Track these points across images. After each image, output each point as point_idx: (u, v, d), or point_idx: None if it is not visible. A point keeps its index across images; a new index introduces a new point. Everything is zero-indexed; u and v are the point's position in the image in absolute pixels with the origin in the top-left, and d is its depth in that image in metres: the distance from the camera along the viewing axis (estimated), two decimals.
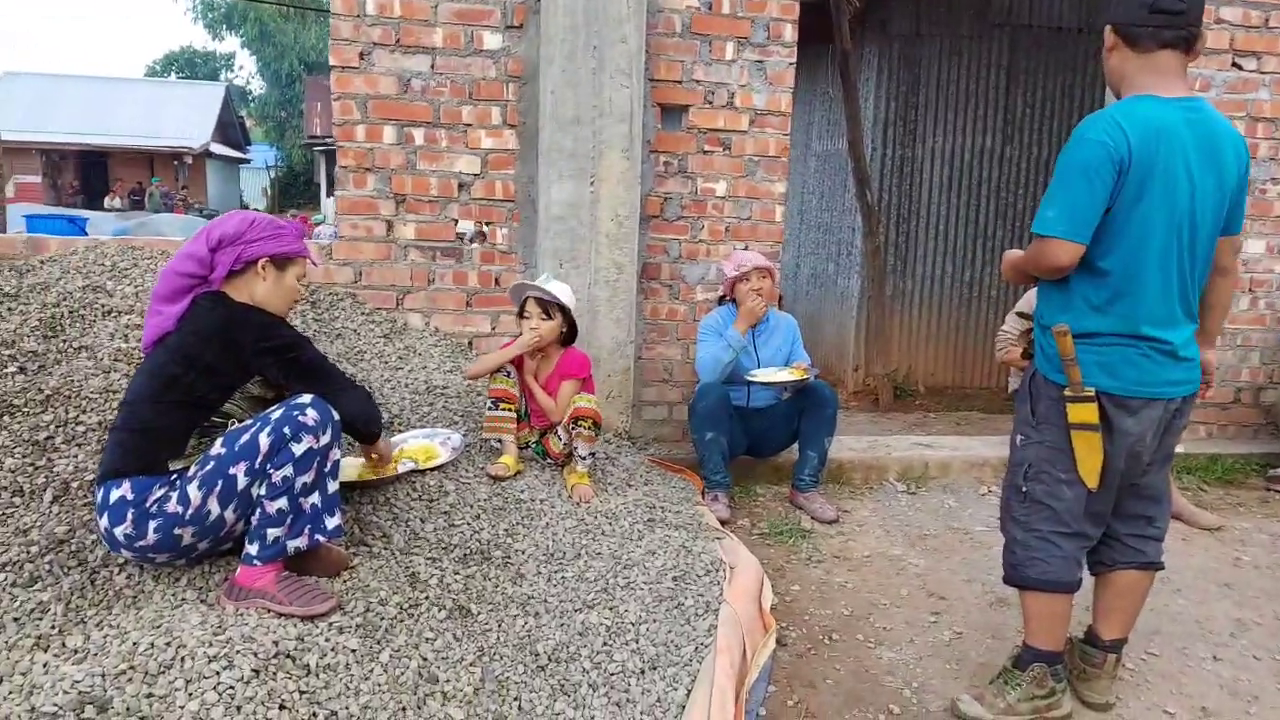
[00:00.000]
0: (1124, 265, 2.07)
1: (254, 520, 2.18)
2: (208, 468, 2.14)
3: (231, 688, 1.91)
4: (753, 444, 3.96)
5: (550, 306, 3.10)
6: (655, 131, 3.97)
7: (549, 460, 3.29)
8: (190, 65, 38.66)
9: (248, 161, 31.69)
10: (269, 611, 2.15)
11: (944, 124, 6.95)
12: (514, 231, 3.95)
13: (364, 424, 2.40)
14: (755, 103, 4.02)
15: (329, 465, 2.25)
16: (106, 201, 22.21)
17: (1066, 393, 2.14)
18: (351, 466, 2.67)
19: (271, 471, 2.15)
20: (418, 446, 2.99)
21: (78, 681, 1.89)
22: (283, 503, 2.17)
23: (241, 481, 2.14)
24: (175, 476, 2.16)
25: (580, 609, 2.51)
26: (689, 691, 2.28)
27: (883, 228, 6.88)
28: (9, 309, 3.24)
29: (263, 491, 2.16)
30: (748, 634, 2.59)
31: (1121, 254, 2.06)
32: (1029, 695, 2.29)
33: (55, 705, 1.83)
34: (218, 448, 2.17)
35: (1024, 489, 2.30)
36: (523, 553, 2.71)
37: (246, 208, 27.02)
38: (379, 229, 3.85)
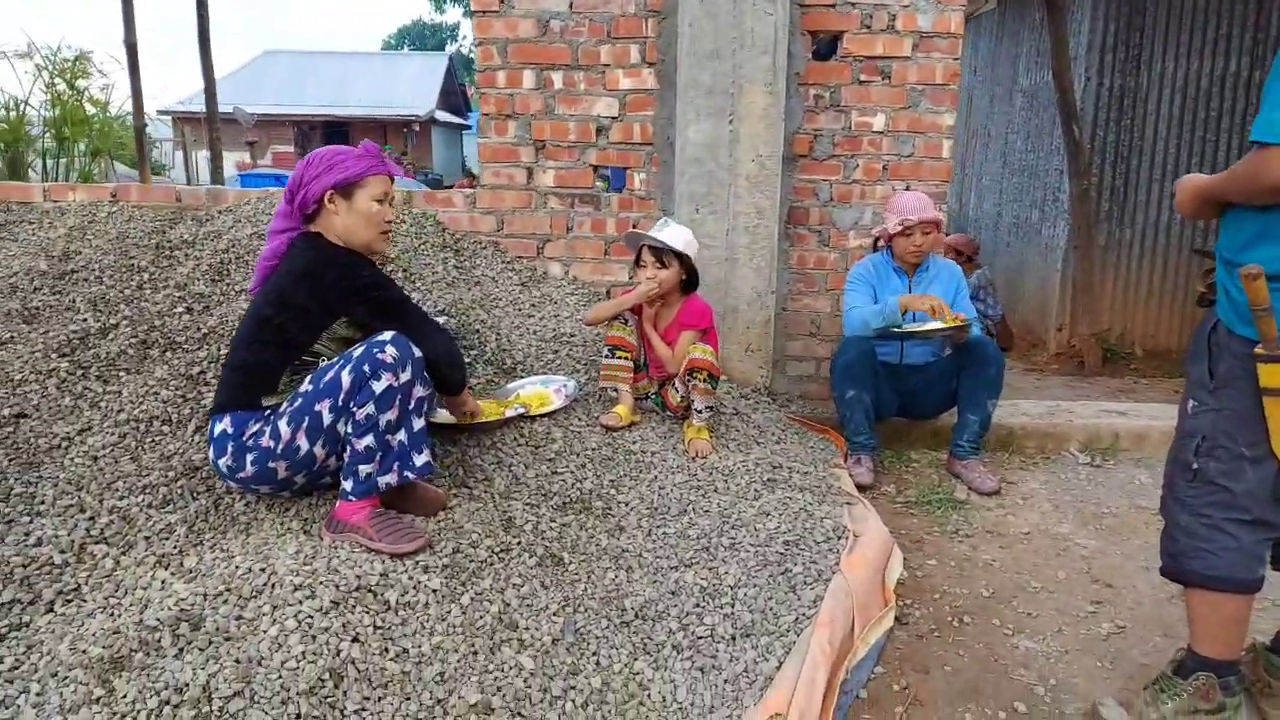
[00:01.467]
0: None
1: (346, 457, 2.23)
2: (296, 404, 2.20)
3: (310, 617, 1.95)
4: (906, 404, 3.63)
5: (666, 254, 2.94)
6: (804, 62, 3.67)
7: (669, 413, 3.17)
8: (420, 37, 41.33)
9: (469, 128, 33.49)
10: (361, 546, 2.19)
11: (1176, 46, 6.01)
12: (652, 176, 3.81)
13: (447, 365, 2.38)
14: (920, 24, 3.61)
15: (412, 402, 2.25)
16: None
17: (1258, 350, 1.72)
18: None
19: (355, 409, 2.18)
20: (532, 393, 2.96)
21: (182, 599, 2.01)
22: (370, 440, 2.19)
23: (327, 418, 2.18)
24: (269, 412, 2.24)
25: (676, 567, 2.38)
26: (780, 664, 2.10)
27: (1095, 168, 6.11)
28: (186, 255, 3.53)
29: (349, 429, 2.20)
30: (860, 609, 2.35)
31: None
32: (1189, 708, 1.91)
33: (157, 620, 1.95)
34: (306, 385, 2.22)
35: (1194, 465, 1.90)
36: (625, 505, 2.61)
37: (469, 172, 28.67)
38: (520, 176, 3.85)
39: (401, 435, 2.24)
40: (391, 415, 2.21)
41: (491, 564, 2.25)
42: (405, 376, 2.21)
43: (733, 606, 2.25)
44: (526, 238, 3.89)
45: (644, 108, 3.74)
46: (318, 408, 2.18)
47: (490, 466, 2.60)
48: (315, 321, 2.33)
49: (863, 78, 3.68)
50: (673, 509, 2.63)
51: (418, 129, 28.46)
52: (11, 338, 3.06)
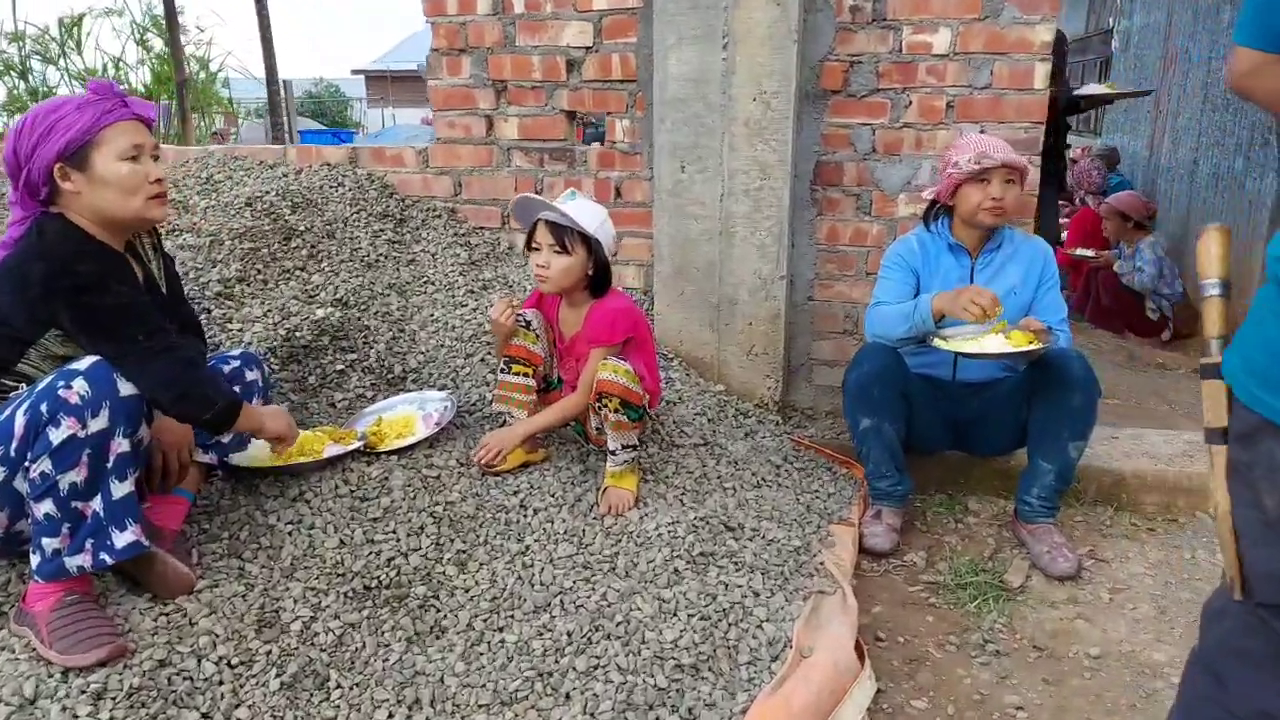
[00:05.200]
0: None
1: (30, 524, 1.63)
2: None
3: None
4: (961, 437, 2.63)
5: (569, 236, 2.12)
6: None
7: (593, 445, 2.37)
8: None
9: None
10: (31, 648, 1.60)
11: None
12: (637, 124, 2.95)
13: (173, 404, 1.71)
14: None
15: (111, 459, 1.61)
16: None
17: (1202, 360, 1.08)
18: (259, 448, 2.02)
19: (29, 464, 1.57)
20: (397, 417, 2.26)
21: None
22: (49, 506, 1.59)
23: None
24: None
25: (487, 706, 1.63)
26: None
27: None
28: None
29: (27, 488, 1.60)
30: None
31: None
32: None
33: None
34: None
35: None
36: (462, 593, 1.87)
37: None
38: (478, 127, 3.10)
39: (97, 504, 1.62)
40: (77, 476, 1.58)
41: (210, 686, 1.59)
42: (97, 424, 1.58)
43: None
44: (489, 204, 3.16)
45: (625, 33, 2.88)
46: None
47: (285, 528, 1.93)
48: (20, 333, 1.72)
49: None
50: (530, 601, 1.86)
51: None
52: None
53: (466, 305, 2.81)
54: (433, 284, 2.88)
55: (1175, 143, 7.01)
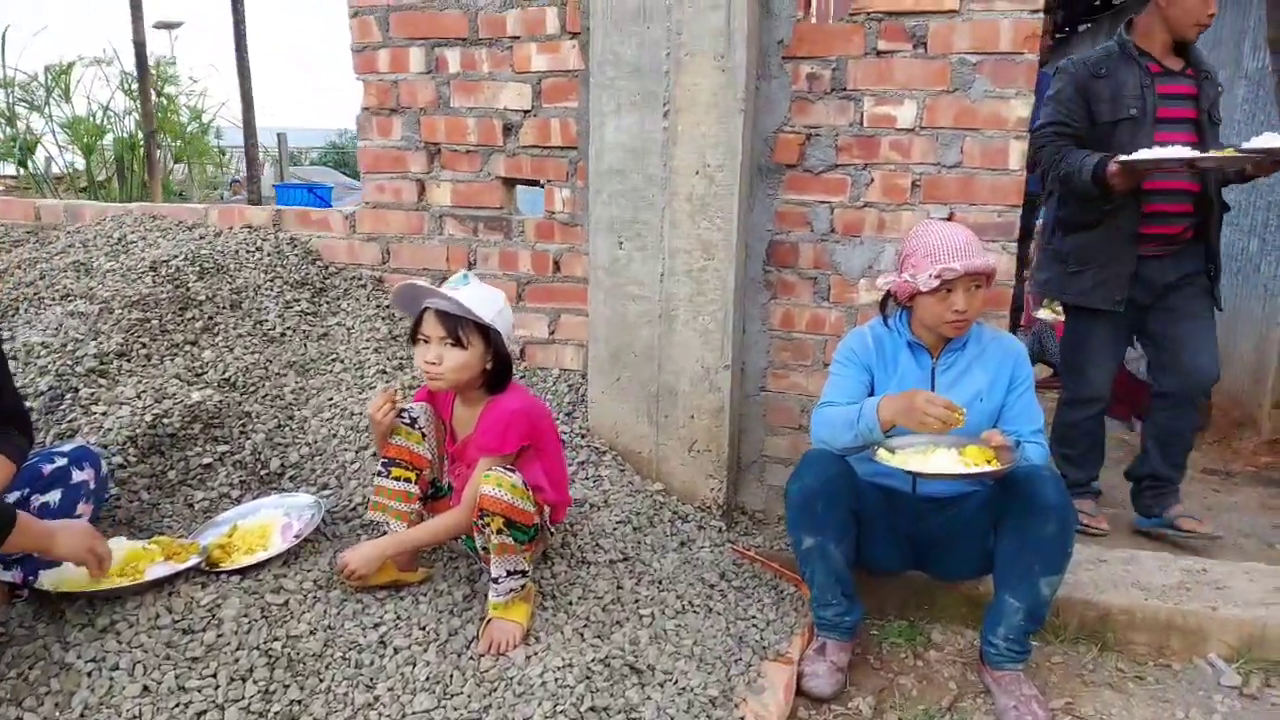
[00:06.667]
0: None
1: None
2: None
3: None
4: (921, 558, 2.30)
5: (465, 326, 1.85)
6: (792, 24, 2.43)
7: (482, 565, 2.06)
8: None
9: None
10: None
11: None
12: (578, 194, 2.70)
13: None
14: None
15: None
16: None
17: None
18: (72, 568, 1.72)
19: None
20: (255, 525, 1.96)
21: None
22: None
23: None
24: None
25: None
26: None
27: None
28: None
29: None
30: None
31: None
32: None
33: None
34: None
35: None
36: None
37: None
38: (409, 192, 2.86)
39: None
40: None
41: None
42: None
43: None
44: (418, 274, 2.90)
45: (565, 96, 2.64)
46: None
47: (84, 668, 1.62)
48: None
49: (882, 45, 2.38)
50: None
51: None
52: None
53: (375, 387, 2.53)
54: (341, 362, 2.61)
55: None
